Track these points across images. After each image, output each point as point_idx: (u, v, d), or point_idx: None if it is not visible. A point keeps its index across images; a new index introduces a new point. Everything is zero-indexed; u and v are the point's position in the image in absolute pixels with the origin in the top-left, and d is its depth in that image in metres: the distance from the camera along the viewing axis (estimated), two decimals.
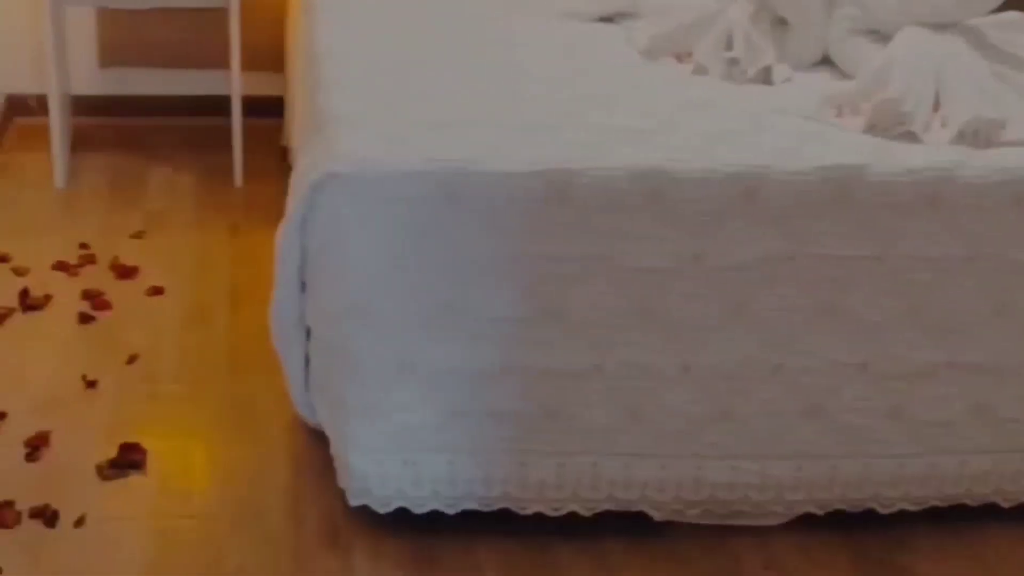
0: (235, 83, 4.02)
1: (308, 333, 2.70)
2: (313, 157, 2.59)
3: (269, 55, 4.24)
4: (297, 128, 3.21)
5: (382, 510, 2.62)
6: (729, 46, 3.01)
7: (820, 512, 2.73)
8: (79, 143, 4.25)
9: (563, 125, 2.65)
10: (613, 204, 2.50)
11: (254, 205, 3.97)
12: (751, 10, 3.06)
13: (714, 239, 2.53)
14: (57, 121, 3.94)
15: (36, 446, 2.85)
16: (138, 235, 3.75)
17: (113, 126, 4.39)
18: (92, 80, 4.38)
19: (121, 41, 4.32)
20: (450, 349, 2.54)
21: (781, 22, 3.10)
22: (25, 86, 4.33)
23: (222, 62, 4.31)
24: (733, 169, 2.53)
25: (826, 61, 3.12)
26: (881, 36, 3.00)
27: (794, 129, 2.72)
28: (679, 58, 3.06)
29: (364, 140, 2.55)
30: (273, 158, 4.20)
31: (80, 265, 3.57)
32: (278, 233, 2.60)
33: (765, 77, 2.98)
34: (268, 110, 4.23)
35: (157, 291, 3.48)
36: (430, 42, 3.12)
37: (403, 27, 3.22)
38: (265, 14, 4.22)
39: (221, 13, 4.19)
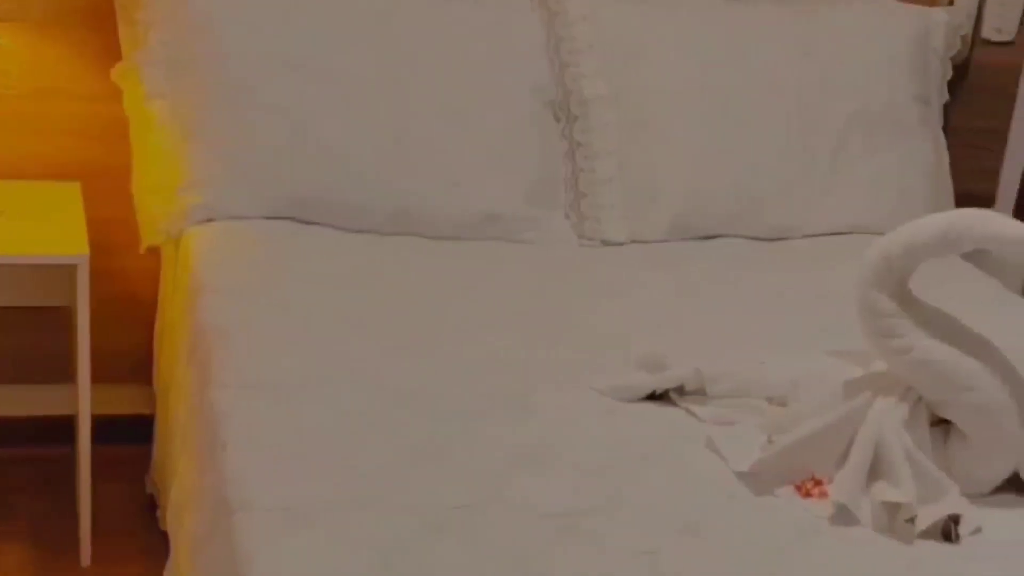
0: (83, 402, 2.81)
1: None
2: None
3: (126, 362, 3.10)
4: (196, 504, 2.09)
5: None
6: (878, 473, 1.98)
7: None
8: None
9: None
10: None
11: None
12: (903, 413, 2.02)
13: None
14: None
15: None
16: None
17: None
18: None
19: None
20: None
21: (941, 424, 2.08)
22: None
23: (59, 374, 3.16)
24: None
25: (1013, 482, 2.08)
26: None
27: None
28: (803, 490, 1.99)
29: None
30: (135, 505, 3.02)
31: None
32: None
33: (944, 528, 1.94)
34: (125, 434, 3.07)
35: None
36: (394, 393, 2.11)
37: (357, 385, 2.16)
38: (119, 309, 3.08)
39: (58, 313, 3.05)
